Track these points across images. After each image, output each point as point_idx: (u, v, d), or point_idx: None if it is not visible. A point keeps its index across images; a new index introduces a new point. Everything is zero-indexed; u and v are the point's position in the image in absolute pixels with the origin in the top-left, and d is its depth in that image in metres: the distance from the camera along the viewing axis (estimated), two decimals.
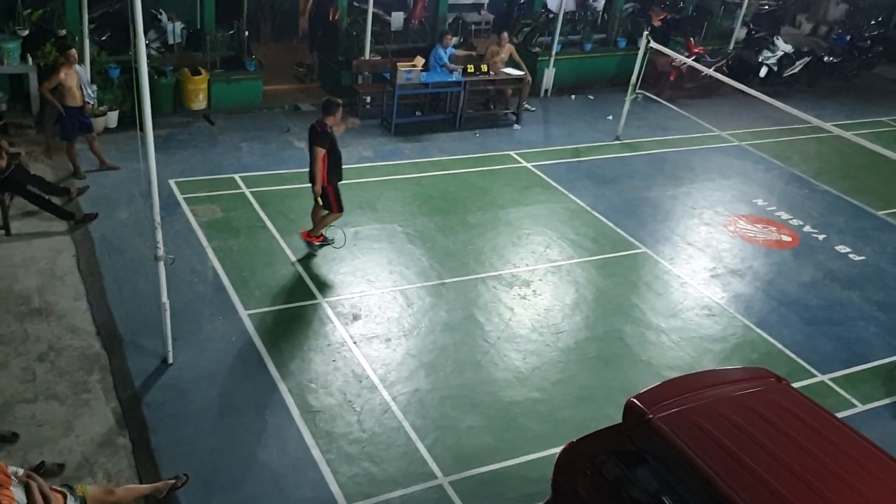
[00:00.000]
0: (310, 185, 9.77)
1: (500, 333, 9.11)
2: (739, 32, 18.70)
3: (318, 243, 10.20)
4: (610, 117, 15.83)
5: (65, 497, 5.69)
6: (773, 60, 18.33)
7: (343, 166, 9.96)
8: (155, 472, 6.83)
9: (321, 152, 9.50)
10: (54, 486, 5.77)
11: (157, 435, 7.22)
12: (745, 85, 13.59)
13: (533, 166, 13.48)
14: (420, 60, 14.30)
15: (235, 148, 13.03)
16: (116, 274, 9.41)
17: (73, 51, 11.15)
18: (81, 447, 7.01)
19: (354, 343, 8.69)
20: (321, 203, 9.92)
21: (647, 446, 5.72)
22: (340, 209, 10.04)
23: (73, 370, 7.89)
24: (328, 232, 10.32)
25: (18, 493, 5.39)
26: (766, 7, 21.07)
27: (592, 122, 15.77)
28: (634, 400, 5.92)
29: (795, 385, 6.80)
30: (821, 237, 12.16)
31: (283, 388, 7.95)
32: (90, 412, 7.40)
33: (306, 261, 10.05)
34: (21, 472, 5.60)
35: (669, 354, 9.07)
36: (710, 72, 14.84)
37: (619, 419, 6.17)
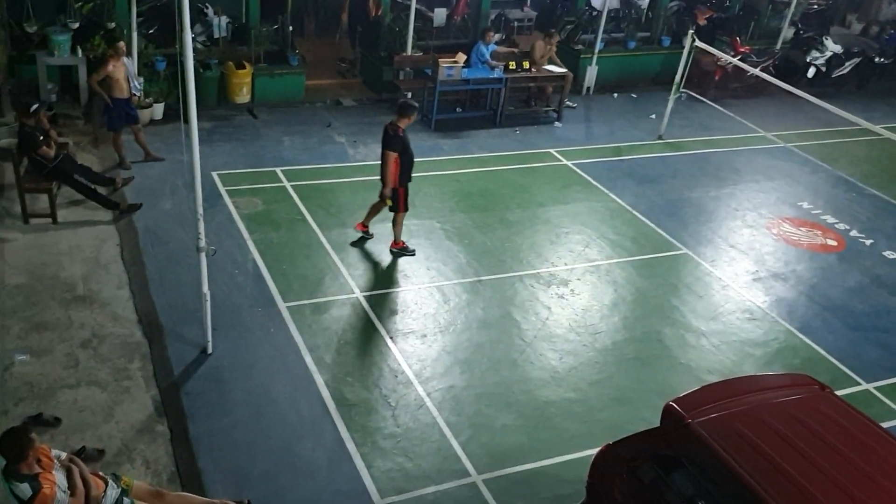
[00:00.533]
0: (382, 184, 9.88)
1: (536, 332, 9.06)
2: (787, 32, 18.35)
3: (397, 249, 10.24)
4: (653, 116, 15.64)
5: (106, 484, 5.73)
6: (821, 61, 17.97)
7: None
8: (192, 460, 6.90)
9: (393, 156, 9.59)
10: (98, 472, 5.85)
11: (196, 424, 7.29)
12: (792, 85, 13.34)
13: (573, 164, 13.37)
14: (462, 57, 14.27)
15: (277, 142, 13.12)
16: (159, 264, 9.53)
17: (122, 43, 11.33)
18: (121, 434, 7.11)
19: (390, 338, 8.69)
20: (390, 205, 9.98)
21: (684, 451, 5.64)
22: (405, 209, 10.11)
23: (114, 357, 8.00)
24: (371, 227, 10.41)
25: (60, 477, 5.48)
26: (816, 6, 20.66)
27: (635, 121, 15.61)
28: (673, 404, 5.84)
29: (839, 393, 6.65)
30: (868, 242, 11.89)
31: (319, 380, 7.98)
32: (130, 399, 7.50)
33: (344, 255, 10.08)
34: (64, 455, 5.68)
35: (709, 358, 8.94)
36: (757, 72, 14.59)
37: (656, 422, 6.10)
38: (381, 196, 9.91)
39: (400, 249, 10.22)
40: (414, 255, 10.21)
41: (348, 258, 10.04)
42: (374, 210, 10.28)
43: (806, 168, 14.31)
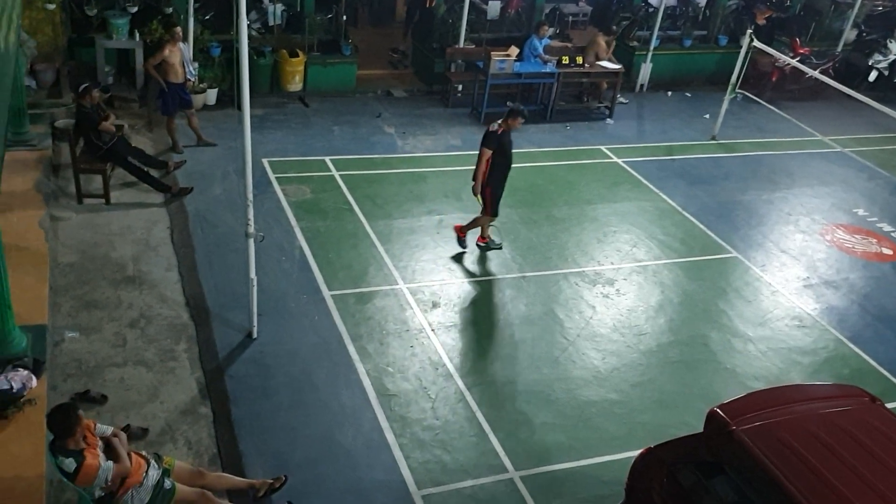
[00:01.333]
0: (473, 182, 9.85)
1: (579, 331, 9.00)
2: (849, 34, 17.91)
3: (483, 244, 10.27)
4: (707, 116, 15.42)
5: (148, 464, 5.83)
6: (884, 64, 17.48)
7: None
8: (234, 443, 7.00)
9: (486, 153, 9.54)
10: (140, 452, 5.95)
11: (238, 407, 7.39)
12: (853, 89, 13.04)
13: (624, 162, 13.25)
14: (514, 50, 14.20)
15: (327, 131, 13.22)
16: (208, 248, 9.67)
17: (178, 29, 11.49)
18: (165, 414, 7.24)
19: (432, 330, 8.71)
20: (481, 202, 9.89)
21: (727, 458, 5.57)
22: (493, 214, 10.00)
23: (161, 338, 8.15)
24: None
25: (101, 452, 5.58)
26: (881, 7, 20.10)
27: (688, 121, 15.40)
28: (717, 410, 5.76)
29: (890, 406, 6.48)
30: None
31: (360, 369, 8.04)
32: (175, 380, 7.64)
33: (389, 246, 10.12)
34: (110, 430, 5.80)
35: (755, 364, 8.80)
36: (816, 74, 14.28)
37: (698, 427, 6.02)
38: (472, 192, 9.84)
39: (481, 245, 10.25)
40: (501, 247, 10.22)
41: (393, 249, 10.08)
42: (477, 222, 10.15)
43: (863, 174, 13.97)
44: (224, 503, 6.16)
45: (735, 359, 8.85)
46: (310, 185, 11.36)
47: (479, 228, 10.22)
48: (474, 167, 9.78)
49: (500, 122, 9.61)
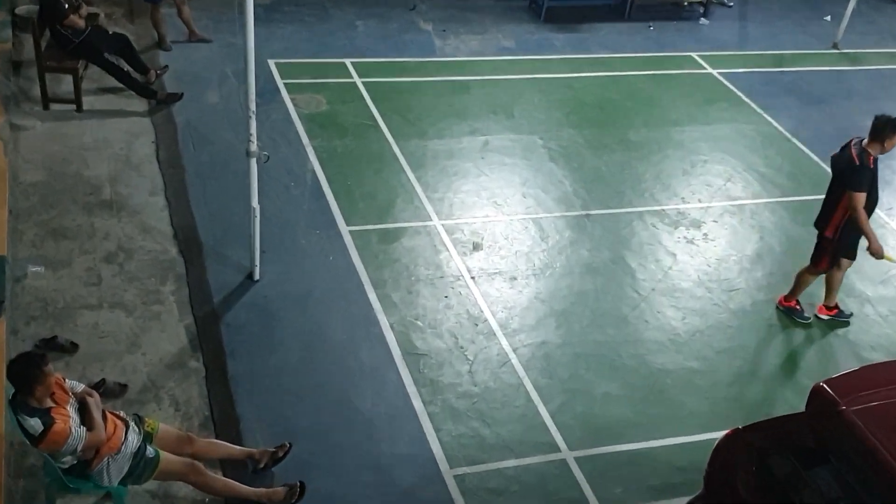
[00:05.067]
0: (817, 230, 8.52)
1: (655, 284, 9.01)
2: None
3: (827, 316, 8.86)
4: (828, 18, 15.12)
5: (127, 427, 5.89)
6: None
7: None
8: (229, 404, 7.16)
9: (859, 200, 7.85)
10: (118, 413, 6.05)
11: (236, 361, 7.54)
12: None
13: (720, 74, 13.08)
14: None
15: (349, 26, 13.17)
16: (201, 168, 9.78)
17: None
18: (148, 367, 7.40)
19: (472, 278, 8.78)
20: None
21: (833, 443, 5.59)
22: (827, 267, 8.60)
23: (144, 277, 8.30)
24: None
25: (75, 414, 5.69)
26: None
27: (804, 23, 15.13)
28: (824, 385, 5.76)
29: None
30: None
31: (383, 321, 8.14)
32: (160, 327, 7.80)
33: (422, 173, 10.15)
34: (81, 388, 5.91)
35: (873, 331, 8.76)
36: None
37: (798, 405, 6.05)
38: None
39: (831, 317, 8.88)
40: (848, 323, 8.91)
41: (426, 177, 10.10)
42: (832, 283, 8.71)
43: None
44: (217, 476, 6.29)
45: (848, 323, 8.81)
46: (326, 95, 11.39)
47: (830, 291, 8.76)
48: (822, 207, 8.38)
49: (869, 145, 7.92)
